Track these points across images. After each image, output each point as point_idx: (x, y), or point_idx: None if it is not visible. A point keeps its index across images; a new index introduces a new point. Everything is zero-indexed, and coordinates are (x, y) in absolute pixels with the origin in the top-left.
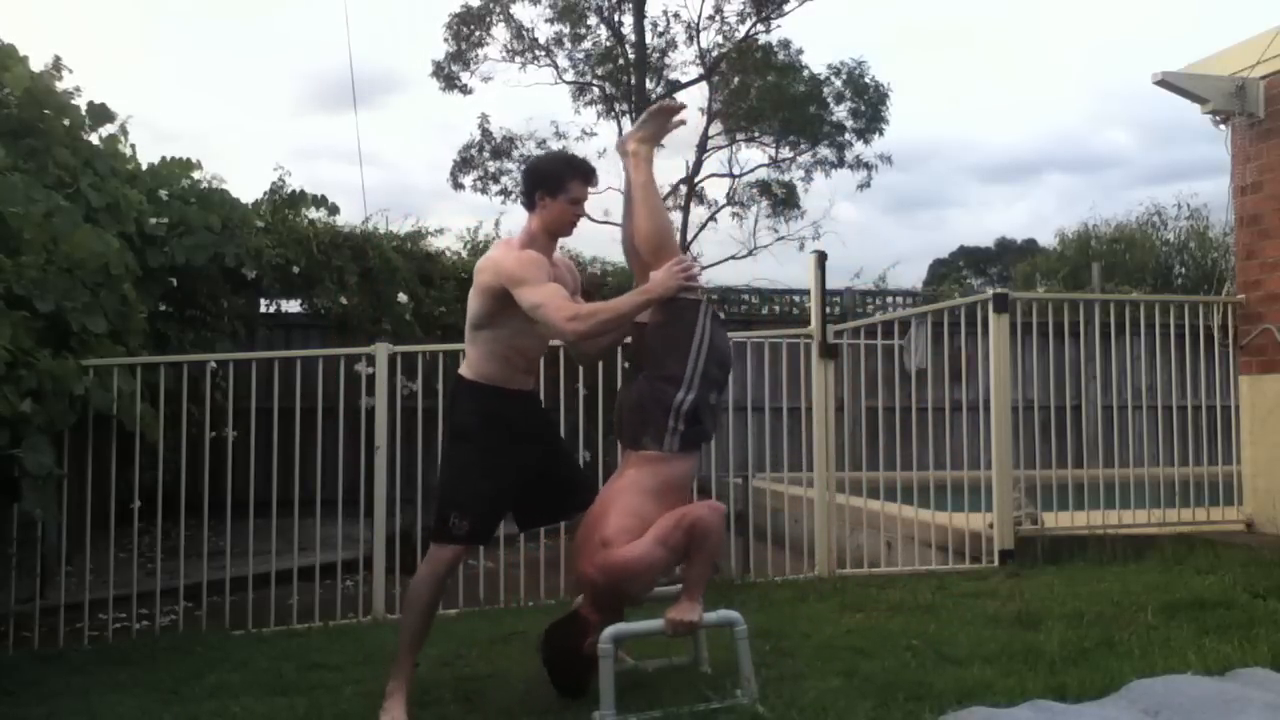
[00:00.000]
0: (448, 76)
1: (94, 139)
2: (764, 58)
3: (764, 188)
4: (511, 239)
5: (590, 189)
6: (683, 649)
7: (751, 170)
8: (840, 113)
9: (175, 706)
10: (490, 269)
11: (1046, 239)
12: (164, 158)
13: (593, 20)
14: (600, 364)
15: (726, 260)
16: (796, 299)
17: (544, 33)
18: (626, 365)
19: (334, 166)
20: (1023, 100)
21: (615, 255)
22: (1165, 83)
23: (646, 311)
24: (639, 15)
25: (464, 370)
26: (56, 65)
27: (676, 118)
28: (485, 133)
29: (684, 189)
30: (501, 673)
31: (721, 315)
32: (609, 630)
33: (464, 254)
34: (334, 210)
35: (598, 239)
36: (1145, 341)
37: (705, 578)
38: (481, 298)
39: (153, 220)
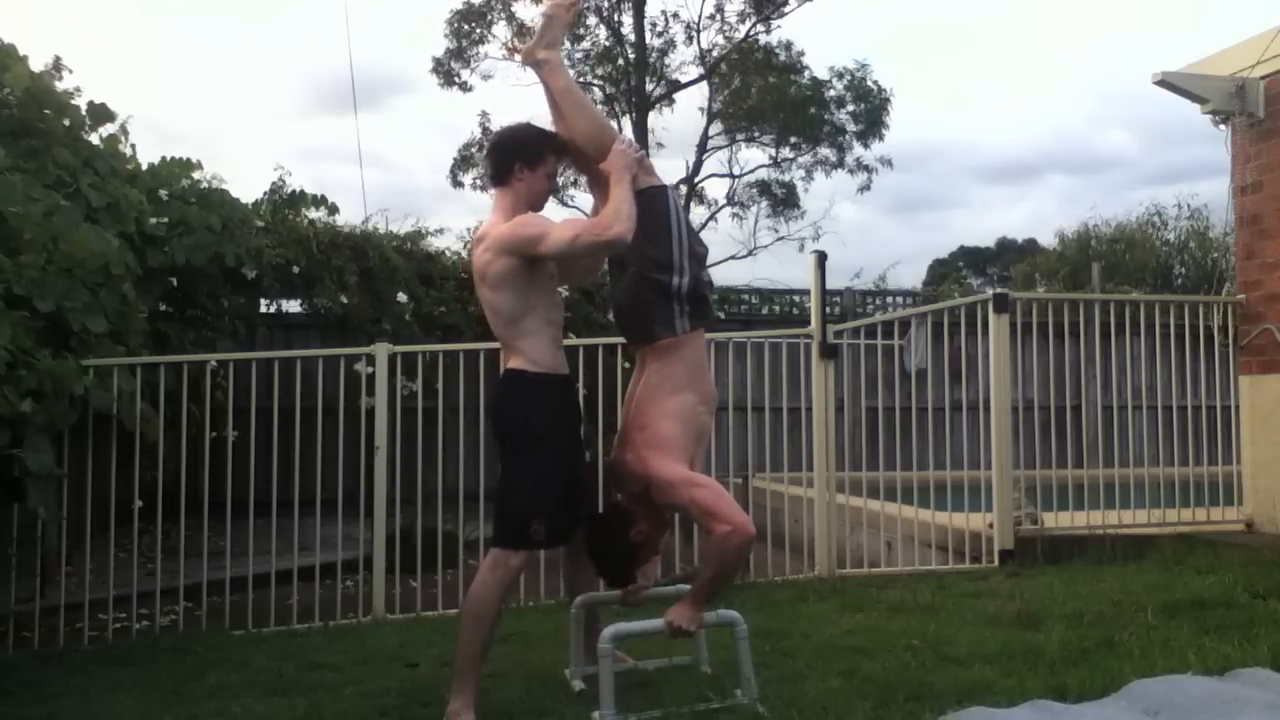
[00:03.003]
0: (447, 73)
1: (94, 139)
2: (764, 58)
3: (764, 188)
4: (492, 220)
5: (560, 164)
6: (683, 649)
7: (751, 170)
8: (841, 116)
9: (175, 706)
10: (497, 246)
11: (1047, 239)
12: (164, 158)
13: (592, 20)
14: (599, 364)
15: (727, 260)
16: (796, 299)
17: None
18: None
19: (339, 168)
20: (1023, 101)
21: None
22: (1165, 83)
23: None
24: (639, 15)
25: (521, 365)
26: (56, 65)
27: (569, 14)
28: (486, 130)
29: (684, 189)
30: (502, 673)
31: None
32: (609, 630)
33: (464, 254)
34: (334, 210)
35: None
36: (1145, 341)
37: (713, 590)
38: (505, 284)
39: (153, 220)
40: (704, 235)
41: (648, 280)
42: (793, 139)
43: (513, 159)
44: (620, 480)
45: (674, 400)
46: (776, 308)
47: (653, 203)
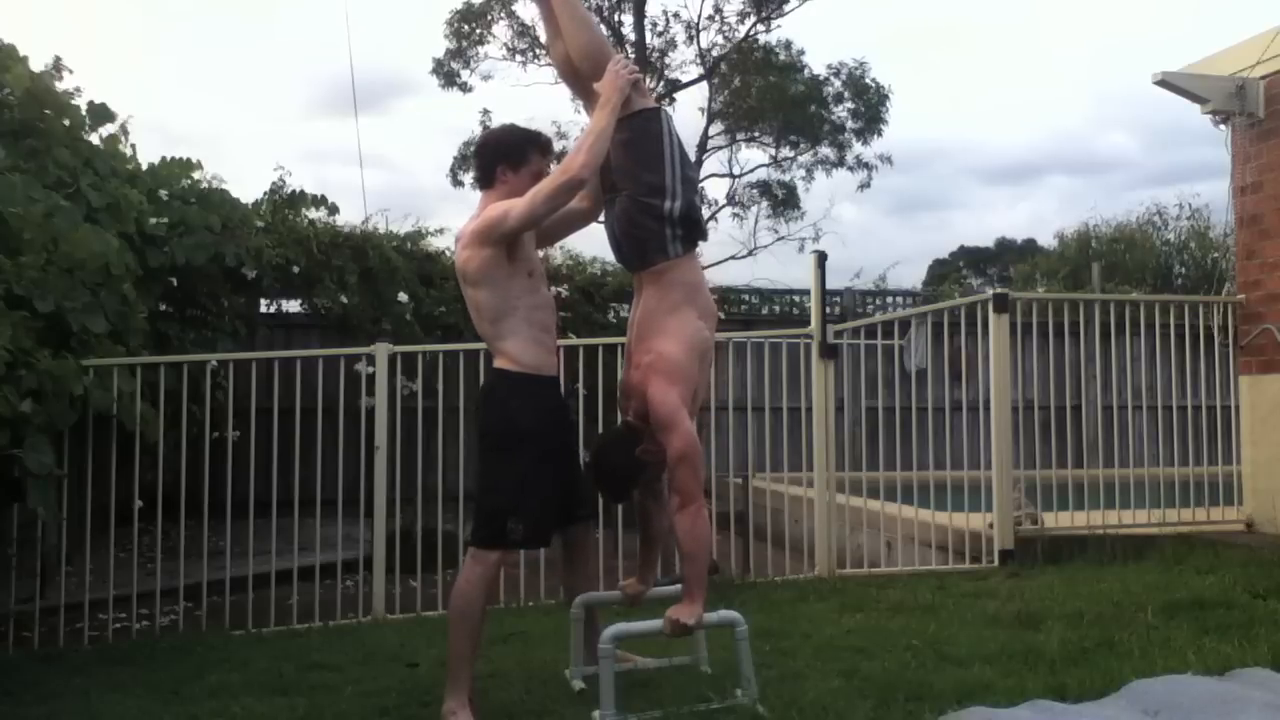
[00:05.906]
0: (448, 74)
1: (94, 139)
2: (764, 58)
3: (764, 188)
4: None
5: (546, 164)
6: (683, 649)
7: (751, 170)
8: (840, 113)
9: (175, 706)
10: (472, 240)
11: (1047, 239)
12: (164, 158)
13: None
14: (600, 364)
15: (726, 260)
16: (796, 299)
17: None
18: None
19: (343, 169)
20: (1023, 101)
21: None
22: (1165, 83)
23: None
24: (639, 15)
25: (505, 365)
26: (56, 65)
27: None
28: (486, 129)
29: None
30: (501, 673)
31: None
32: (609, 630)
33: None
34: (334, 210)
35: (600, 239)
36: (1145, 341)
37: (696, 572)
38: (484, 280)
39: (153, 220)
40: None
41: (641, 205)
42: (792, 138)
43: (496, 161)
44: (627, 399)
45: (674, 320)
46: (776, 308)
47: (647, 125)
